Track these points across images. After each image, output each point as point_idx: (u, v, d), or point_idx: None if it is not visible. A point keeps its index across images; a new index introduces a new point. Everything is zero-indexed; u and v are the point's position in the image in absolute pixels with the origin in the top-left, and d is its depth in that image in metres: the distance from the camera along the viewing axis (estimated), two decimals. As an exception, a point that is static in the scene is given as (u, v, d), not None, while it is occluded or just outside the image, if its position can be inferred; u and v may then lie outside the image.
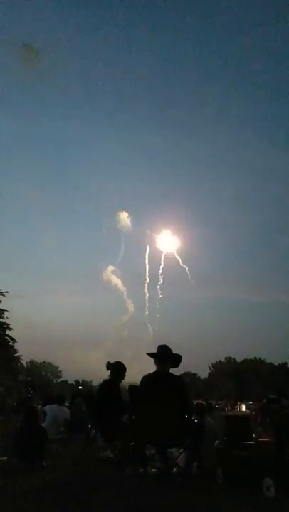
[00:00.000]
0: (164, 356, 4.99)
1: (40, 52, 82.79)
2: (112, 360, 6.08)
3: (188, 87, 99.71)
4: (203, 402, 8.46)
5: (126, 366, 6.03)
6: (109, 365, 5.89)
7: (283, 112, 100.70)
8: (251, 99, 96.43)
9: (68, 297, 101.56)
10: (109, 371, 5.89)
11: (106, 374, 6.03)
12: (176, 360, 5.09)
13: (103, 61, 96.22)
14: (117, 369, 5.88)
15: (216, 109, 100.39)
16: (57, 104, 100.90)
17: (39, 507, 3.12)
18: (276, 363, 69.02)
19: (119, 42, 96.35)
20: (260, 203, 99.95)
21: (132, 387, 5.70)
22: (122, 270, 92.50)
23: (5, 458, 5.62)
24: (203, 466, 5.28)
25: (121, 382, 5.98)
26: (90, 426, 8.88)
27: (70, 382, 75.50)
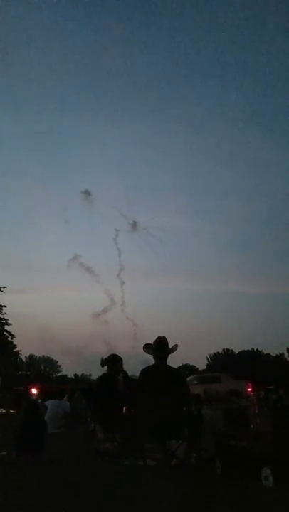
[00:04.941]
0: (160, 349, 5.03)
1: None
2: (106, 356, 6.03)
3: (187, 79, 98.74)
4: (202, 394, 8.53)
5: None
6: (103, 362, 5.84)
7: (282, 104, 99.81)
8: (251, 91, 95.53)
9: (67, 291, 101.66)
10: (106, 366, 5.85)
11: (104, 368, 6.03)
12: (171, 348, 5.10)
13: (99, 52, 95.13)
14: (113, 362, 5.84)
15: (215, 101, 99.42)
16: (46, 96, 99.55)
17: (38, 501, 3.14)
18: (273, 354, 69.66)
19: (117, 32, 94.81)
20: (255, 194, 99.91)
21: (130, 379, 5.72)
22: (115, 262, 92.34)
23: (4, 452, 5.65)
24: (202, 457, 5.33)
25: (119, 374, 5.94)
26: (89, 419, 8.97)
27: (69, 376, 75.93)
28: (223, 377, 25.00)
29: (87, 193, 52.70)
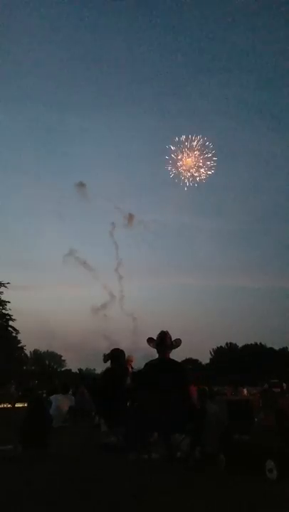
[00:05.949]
0: (163, 343, 5.02)
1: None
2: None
3: (187, 74, 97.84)
4: (205, 388, 8.53)
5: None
6: (105, 357, 5.83)
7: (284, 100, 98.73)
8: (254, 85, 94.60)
9: (68, 288, 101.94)
10: (109, 361, 5.84)
11: (108, 362, 6.02)
12: (174, 343, 5.10)
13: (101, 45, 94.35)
14: (115, 356, 5.83)
15: (216, 97, 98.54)
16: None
17: (43, 494, 3.16)
18: (277, 348, 69.66)
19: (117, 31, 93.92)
20: (260, 190, 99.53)
21: (135, 373, 5.72)
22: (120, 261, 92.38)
23: (10, 446, 5.69)
24: (205, 451, 5.34)
25: (122, 367, 5.91)
26: (93, 413, 9.03)
27: (73, 370, 76.32)
28: None
29: (86, 190, 52.70)
